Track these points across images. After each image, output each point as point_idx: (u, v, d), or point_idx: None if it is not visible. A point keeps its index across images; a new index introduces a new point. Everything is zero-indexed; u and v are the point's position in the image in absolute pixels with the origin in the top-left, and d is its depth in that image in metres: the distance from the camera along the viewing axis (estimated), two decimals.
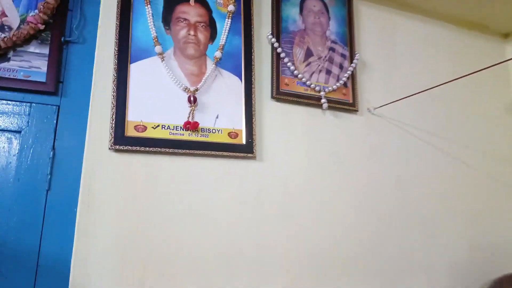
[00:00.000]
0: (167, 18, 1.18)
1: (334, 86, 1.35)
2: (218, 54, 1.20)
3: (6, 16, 1.24)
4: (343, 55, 1.42)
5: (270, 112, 1.26)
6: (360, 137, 1.39)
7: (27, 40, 1.26)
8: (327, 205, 1.28)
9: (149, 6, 1.14)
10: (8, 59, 1.22)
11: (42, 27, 1.26)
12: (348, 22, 1.47)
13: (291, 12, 1.37)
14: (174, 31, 1.17)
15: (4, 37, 1.21)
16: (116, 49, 1.09)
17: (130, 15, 1.13)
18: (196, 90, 1.15)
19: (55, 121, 1.22)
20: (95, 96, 1.06)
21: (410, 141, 1.50)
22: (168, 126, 1.10)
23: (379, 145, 1.42)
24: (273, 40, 1.30)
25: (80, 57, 1.31)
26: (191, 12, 1.21)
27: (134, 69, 1.10)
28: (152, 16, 1.15)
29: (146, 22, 1.14)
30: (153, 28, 1.13)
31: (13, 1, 1.26)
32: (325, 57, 1.38)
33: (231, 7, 1.25)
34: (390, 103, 1.41)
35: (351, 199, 1.33)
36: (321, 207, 1.27)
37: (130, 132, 1.06)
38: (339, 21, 1.45)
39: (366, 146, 1.39)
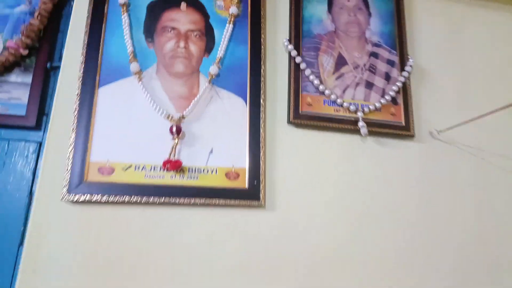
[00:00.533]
0: (151, 28, 0.94)
1: (378, 104, 1.00)
2: (213, 69, 0.92)
3: None
4: (390, 62, 1.06)
5: (286, 142, 0.95)
6: (419, 171, 1.00)
7: (8, 68, 1.09)
8: (373, 275, 0.91)
9: (126, 14, 0.91)
10: None
11: (24, 52, 1.09)
12: (397, 18, 1.11)
13: (316, 10, 1.06)
14: (158, 44, 0.93)
15: None
16: (81, 70, 0.86)
17: (102, 28, 0.90)
18: (182, 117, 0.88)
19: (35, 161, 1.03)
20: (52, 132, 0.84)
21: (491, 172, 1.07)
22: (144, 166, 0.84)
23: (448, 181, 1.02)
24: (290, 47, 0.99)
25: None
26: (181, 19, 0.95)
27: (103, 94, 0.86)
28: (130, 27, 0.92)
29: (123, 35, 0.90)
30: (130, 41, 0.90)
31: None
32: (364, 65, 1.04)
33: (233, 9, 0.97)
34: (464, 123, 1.01)
35: (410, 263, 0.94)
36: (364, 278, 0.90)
37: (92, 176, 0.81)
38: (383, 17, 1.10)
39: (429, 183, 1.00)
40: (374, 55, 1.06)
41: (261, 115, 0.92)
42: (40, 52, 1.13)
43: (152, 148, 0.86)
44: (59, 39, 1.16)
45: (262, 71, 0.96)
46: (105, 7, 0.92)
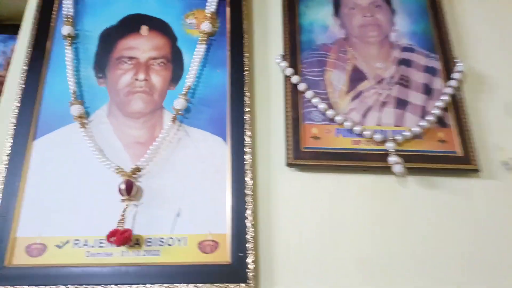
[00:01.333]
0: (103, 61, 0.74)
1: (417, 129, 0.70)
2: (179, 103, 0.69)
3: None
4: (429, 69, 0.77)
5: (285, 193, 0.67)
6: (489, 220, 0.67)
7: None
8: None
9: (70, 48, 0.73)
10: None
11: None
12: (432, 12, 0.82)
13: (318, 14, 0.81)
14: (111, 79, 0.73)
15: None
16: (14, 120, 0.68)
17: (43, 67, 0.73)
18: (137, 170, 0.65)
19: None
20: None
21: None
22: (86, 241, 0.61)
23: None
24: (283, 64, 0.74)
25: None
26: (142, 46, 0.75)
27: (39, 147, 0.67)
28: (76, 62, 0.73)
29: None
30: (72, 80, 0.71)
31: None
32: (392, 78, 0.75)
33: (205, 26, 0.76)
34: None
35: None
36: None
37: (18, 258, 0.60)
38: (413, 13, 0.82)
39: (504, 236, 0.66)
40: (404, 62, 0.77)
41: (247, 157, 0.67)
42: None
43: (99, 214, 0.63)
44: None
45: (246, 100, 0.71)
46: (48, 41, 0.75)
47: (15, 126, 0.67)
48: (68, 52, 0.72)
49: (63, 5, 0.77)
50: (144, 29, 0.77)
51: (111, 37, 0.76)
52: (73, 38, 0.75)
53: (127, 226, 0.62)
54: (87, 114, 0.70)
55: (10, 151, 0.66)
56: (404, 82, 0.75)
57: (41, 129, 0.68)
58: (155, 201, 0.64)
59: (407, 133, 0.69)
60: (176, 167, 0.67)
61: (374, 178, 0.69)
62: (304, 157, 0.68)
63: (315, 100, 0.71)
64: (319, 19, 0.80)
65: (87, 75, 0.73)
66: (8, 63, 1.02)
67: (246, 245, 0.62)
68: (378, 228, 0.65)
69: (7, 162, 0.65)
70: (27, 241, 0.61)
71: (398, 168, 0.65)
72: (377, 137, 0.69)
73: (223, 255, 0.62)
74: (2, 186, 0.63)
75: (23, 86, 0.70)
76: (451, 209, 0.67)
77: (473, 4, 0.87)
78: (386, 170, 0.67)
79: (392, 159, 0.66)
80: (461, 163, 0.68)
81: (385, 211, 0.66)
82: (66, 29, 0.74)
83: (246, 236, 0.62)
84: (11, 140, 0.66)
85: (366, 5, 0.82)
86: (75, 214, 0.63)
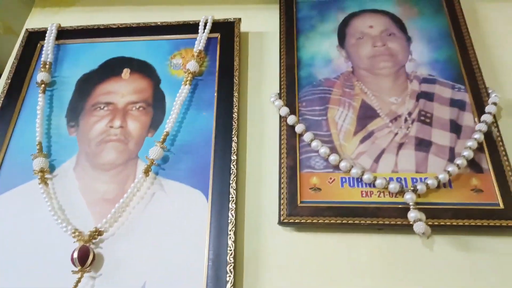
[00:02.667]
0: (77, 108, 0.67)
1: (444, 175, 0.55)
2: (154, 152, 0.59)
3: None
4: (456, 103, 0.63)
5: (276, 258, 0.54)
6: None
7: None
8: None
9: (42, 96, 0.67)
10: None
11: None
12: (456, 37, 0.70)
13: (320, 46, 0.71)
14: (84, 127, 0.65)
15: None
16: None
17: (13, 115, 0.66)
18: (97, 234, 0.54)
19: None
20: None
21: None
22: None
23: None
24: (278, 103, 0.64)
25: None
26: (121, 90, 0.68)
27: (0, 205, 0.59)
28: (49, 110, 0.67)
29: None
30: (40, 129, 0.63)
31: None
32: (410, 114, 0.62)
33: (191, 65, 0.67)
34: None
35: None
36: None
37: None
38: (433, 39, 0.70)
39: None
40: (425, 96, 0.64)
41: (232, 216, 0.55)
42: None
43: (52, 286, 0.52)
44: None
45: (233, 146, 0.61)
46: (23, 89, 0.69)
47: None
48: (40, 100, 0.66)
49: (42, 52, 0.72)
50: (125, 72, 0.70)
51: (89, 83, 0.70)
52: (48, 85, 0.69)
53: None
54: (52, 168, 0.61)
55: None
56: (426, 119, 0.62)
57: (3, 184, 0.60)
58: (117, 272, 0.53)
59: (432, 181, 0.55)
60: (146, 229, 0.56)
61: (391, 239, 0.54)
62: (302, 214, 0.55)
63: (315, 144, 0.59)
64: (322, 51, 0.70)
65: (58, 124, 0.66)
66: None
67: None
68: None
69: None
70: None
71: (420, 228, 0.50)
72: (393, 186, 0.55)
73: None
74: None
75: None
76: (491, 277, 0.50)
77: (504, 27, 0.74)
78: (406, 228, 0.52)
79: (413, 214, 0.51)
80: (502, 217, 0.52)
81: (406, 280, 0.51)
82: (40, 76, 0.68)
83: None
84: None
85: (377, 34, 0.71)
86: (26, 284, 0.53)
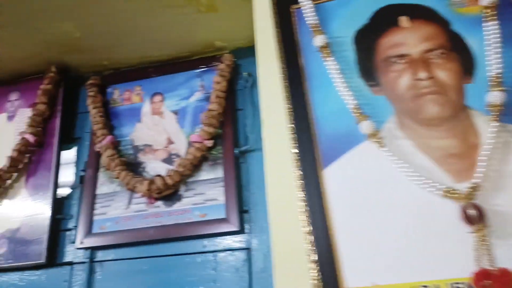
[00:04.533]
0: (367, 66, 0.63)
1: None
2: (494, 97, 0.54)
3: (173, 142, 0.98)
4: None
5: None
6: None
7: (197, 166, 0.95)
8: None
9: (330, 59, 0.63)
10: (180, 197, 0.92)
11: (209, 143, 0.94)
12: None
13: None
14: (387, 85, 0.61)
15: (171, 170, 0.93)
16: (296, 150, 0.60)
17: (302, 86, 0.64)
18: (474, 189, 0.51)
19: (246, 274, 0.83)
20: (277, 236, 0.57)
21: None
22: (438, 287, 0.49)
23: None
24: None
25: (263, 170, 0.92)
26: (409, 40, 0.63)
27: (332, 177, 0.57)
28: (342, 73, 0.63)
29: (331, 90, 0.62)
30: (347, 93, 0.60)
31: (177, 120, 1.00)
32: None
33: (485, 0, 0.60)
34: None
35: None
36: None
37: None
38: None
39: None
40: None
41: None
42: (225, 138, 0.95)
43: (437, 250, 0.50)
44: (239, 118, 0.98)
45: None
46: (299, 58, 0.66)
47: (298, 156, 0.59)
48: (331, 64, 0.63)
49: (304, 16, 0.68)
50: (403, 20, 0.65)
51: (367, 38, 0.65)
52: (328, 47, 0.65)
53: (488, 264, 0.48)
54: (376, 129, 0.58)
55: (303, 188, 0.57)
56: None
57: (327, 155, 0.59)
58: (505, 226, 0.50)
59: None
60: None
61: None
62: None
63: None
64: None
65: (355, 86, 0.62)
66: (207, 97, 0.99)
67: None
68: None
69: (304, 199, 0.56)
70: None
71: None
72: None
73: None
74: (313, 230, 0.54)
75: (292, 111, 0.62)
76: None
77: None
78: None
79: None
80: None
81: None
82: (318, 40, 0.65)
83: None
84: (300, 173, 0.58)
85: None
86: (405, 253, 0.51)
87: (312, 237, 0.53)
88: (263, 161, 0.94)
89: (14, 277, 0.93)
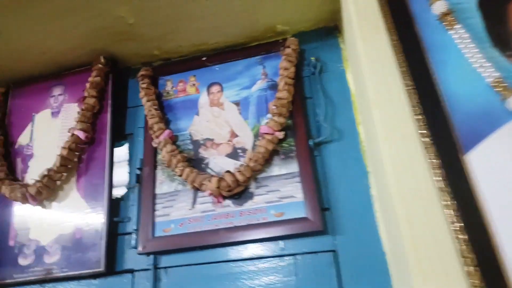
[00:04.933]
0: (500, 34, 0.54)
1: None
2: None
3: (237, 135, 0.90)
4: None
5: None
6: None
7: (268, 160, 0.86)
8: None
9: (457, 28, 0.54)
10: (251, 195, 0.84)
11: (281, 135, 0.86)
12: None
13: None
14: None
15: (241, 165, 0.85)
16: (427, 133, 0.51)
17: (424, 61, 0.55)
18: None
19: (335, 279, 0.74)
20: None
21: None
22: None
23: None
24: None
25: (343, 163, 0.83)
26: None
27: (478, 163, 0.48)
28: (465, 43, 0.54)
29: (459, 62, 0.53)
30: (487, 64, 0.51)
31: (240, 112, 0.91)
32: None
33: None
34: None
35: None
36: None
37: None
38: None
39: None
40: None
41: None
42: (296, 129, 0.86)
43: None
44: (308, 106, 0.90)
45: None
46: (410, 29, 0.57)
47: (431, 141, 0.50)
48: (459, 33, 0.54)
49: None
50: None
51: (494, 3, 0.56)
52: (450, 14, 0.56)
53: None
54: None
55: (444, 177, 0.48)
56: None
57: (467, 138, 0.50)
58: None
59: None
60: None
61: None
62: None
63: None
64: None
65: (491, 57, 0.53)
66: (271, 85, 0.90)
67: None
68: None
69: (448, 191, 0.47)
70: None
71: None
72: None
73: None
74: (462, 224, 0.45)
75: (415, 89, 0.53)
76: None
77: None
78: None
79: None
80: None
81: None
82: (439, 6, 0.56)
83: None
84: (437, 161, 0.49)
85: None
86: None
87: (466, 236, 0.44)
88: (342, 153, 0.85)
89: (69, 287, 0.85)
